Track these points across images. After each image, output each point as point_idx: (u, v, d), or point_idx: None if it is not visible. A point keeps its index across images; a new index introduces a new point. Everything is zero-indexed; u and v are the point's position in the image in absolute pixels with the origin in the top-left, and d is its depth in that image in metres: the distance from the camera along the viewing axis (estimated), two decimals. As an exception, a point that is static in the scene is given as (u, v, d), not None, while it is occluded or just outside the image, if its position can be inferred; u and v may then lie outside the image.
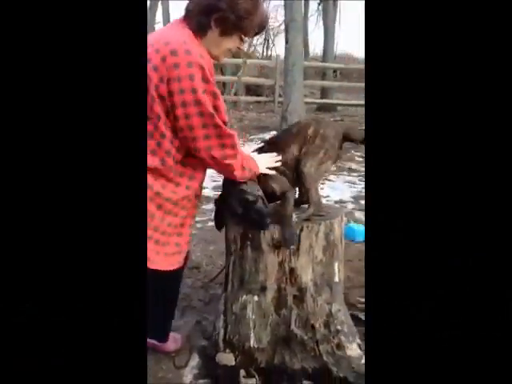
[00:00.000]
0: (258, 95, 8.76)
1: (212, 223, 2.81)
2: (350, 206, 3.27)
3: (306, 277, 1.36)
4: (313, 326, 1.36)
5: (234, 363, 1.37)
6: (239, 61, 7.58)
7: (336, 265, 1.42)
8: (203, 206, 3.12)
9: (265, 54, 13.31)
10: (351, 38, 25.04)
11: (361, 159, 4.97)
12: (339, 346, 1.35)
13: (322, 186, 3.72)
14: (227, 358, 1.38)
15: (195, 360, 1.47)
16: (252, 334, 1.37)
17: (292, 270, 1.35)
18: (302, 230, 1.33)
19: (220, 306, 1.46)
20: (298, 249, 1.33)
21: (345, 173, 4.33)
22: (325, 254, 1.38)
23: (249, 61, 7.95)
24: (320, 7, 12.69)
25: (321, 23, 11.66)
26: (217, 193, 3.49)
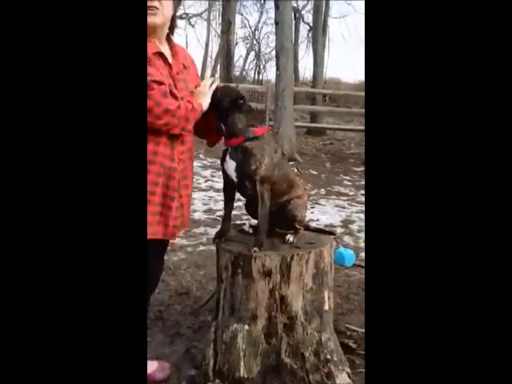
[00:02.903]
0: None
1: (203, 247, 2.82)
2: (340, 230, 3.30)
3: (297, 305, 1.37)
4: (303, 355, 1.36)
5: (223, 393, 1.36)
6: (232, 85, 7.72)
7: (326, 292, 1.43)
8: (194, 230, 3.12)
9: (256, 78, 13.60)
10: (339, 64, 25.80)
11: (349, 183, 5.05)
12: (329, 376, 1.35)
13: (312, 210, 3.76)
14: (217, 388, 1.37)
15: (184, 390, 1.45)
16: (242, 364, 1.36)
17: (282, 298, 1.36)
18: (292, 257, 1.35)
19: (210, 335, 1.45)
20: (288, 277, 1.35)
21: (334, 197, 4.39)
22: (315, 281, 1.39)
23: (240, 85, 8.09)
24: (310, 34, 13.09)
25: (310, 49, 12.01)
26: (208, 216, 3.50)
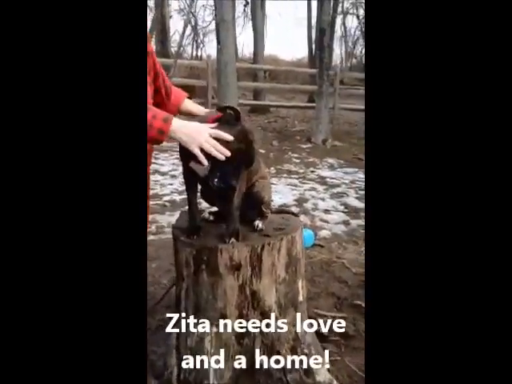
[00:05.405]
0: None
1: (153, 237, 2.57)
2: (295, 209, 3.21)
3: (270, 299, 1.23)
4: (279, 353, 1.23)
5: (191, 406, 1.19)
6: (170, 61, 7.27)
7: (299, 282, 1.31)
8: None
9: (194, 54, 13.06)
10: (276, 41, 25.63)
11: (298, 161, 5.00)
12: (308, 373, 1.24)
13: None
14: (184, 401, 1.20)
15: (144, 405, 1.26)
16: (211, 370, 1.20)
17: (254, 293, 1.21)
18: (263, 247, 1.19)
19: (171, 340, 1.27)
20: (259, 269, 1.19)
21: (285, 175, 4.30)
22: (287, 271, 1.26)
23: (179, 61, 7.66)
24: (247, 9, 12.74)
25: (248, 25, 11.71)
26: (155, 202, 3.23)
